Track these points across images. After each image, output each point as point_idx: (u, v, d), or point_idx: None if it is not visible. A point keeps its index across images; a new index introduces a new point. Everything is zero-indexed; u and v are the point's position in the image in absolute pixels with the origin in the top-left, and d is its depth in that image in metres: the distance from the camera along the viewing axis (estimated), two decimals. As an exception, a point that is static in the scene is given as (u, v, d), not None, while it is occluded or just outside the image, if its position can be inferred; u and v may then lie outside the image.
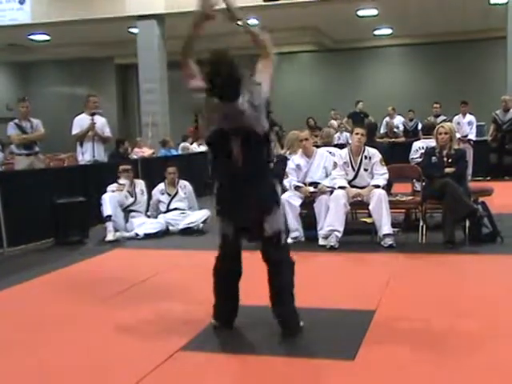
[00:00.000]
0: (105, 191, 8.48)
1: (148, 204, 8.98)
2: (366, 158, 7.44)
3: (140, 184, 8.98)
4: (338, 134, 15.25)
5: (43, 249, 8.01)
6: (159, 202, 8.88)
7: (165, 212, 8.77)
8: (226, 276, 4.46)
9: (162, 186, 8.94)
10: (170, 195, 8.87)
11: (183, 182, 9.00)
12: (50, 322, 4.82)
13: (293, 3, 15.56)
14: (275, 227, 4.21)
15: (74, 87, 23.59)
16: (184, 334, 4.29)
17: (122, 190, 8.65)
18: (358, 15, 17.90)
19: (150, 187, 9.03)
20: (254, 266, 6.58)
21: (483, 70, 20.82)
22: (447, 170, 7.29)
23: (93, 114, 9.80)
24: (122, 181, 8.73)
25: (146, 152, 14.29)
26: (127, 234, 8.36)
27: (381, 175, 7.34)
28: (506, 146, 13.94)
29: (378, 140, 13.46)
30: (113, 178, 8.75)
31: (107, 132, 10.11)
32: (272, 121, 17.20)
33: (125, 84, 25.17)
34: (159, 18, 16.55)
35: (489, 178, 12.96)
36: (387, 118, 16.64)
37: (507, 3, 14.69)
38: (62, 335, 4.47)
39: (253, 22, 18.58)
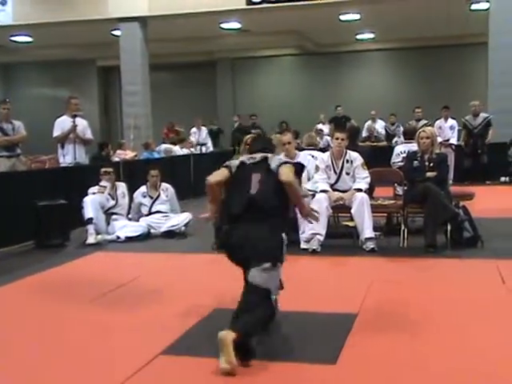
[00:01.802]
0: (86, 194, 8.45)
1: (129, 207, 8.95)
2: (347, 161, 7.45)
3: (121, 187, 8.94)
4: (317, 137, 15.29)
5: (24, 252, 7.94)
6: (141, 204, 8.85)
7: (147, 215, 8.74)
8: None
9: (143, 188, 8.90)
10: (152, 198, 8.83)
11: (165, 185, 8.98)
12: (29, 325, 4.78)
13: (275, 7, 15.60)
14: (267, 284, 4.04)
15: (55, 89, 23.49)
16: (165, 338, 4.27)
17: (103, 192, 8.61)
18: (340, 19, 17.97)
19: (132, 190, 8.99)
20: (231, 270, 6.58)
21: (464, 74, 20.99)
22: (429, 174, 7.33)
23: (74, 116, 9.77)
24: (103, 183, 8.69)
25: (129, 154, 14.24)
26: (108, 237, 8.31)
27: (362, 179, 7.36)
28: (479, 150, 14.09)
29: (360, 144, 13.51)
30: (95, 181, 8.71)
31: (88, 134, 10.09)
32: (254, 124, 17.31)
33: (107, 86, 25.08)
34: (142, 20, 16.54)
35: (467, 183, 13.05)
36: (369, 122, 16.73)
37: (488, 9, 14.84)
38: (43, 339, 4.44)
39: (235, 25, 18.68)
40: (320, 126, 16.83)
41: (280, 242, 4.15)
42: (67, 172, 9.41)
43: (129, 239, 8.24)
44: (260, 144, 4.71)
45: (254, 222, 4.11)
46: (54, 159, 12.88)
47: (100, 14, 16.44)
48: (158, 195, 8.85)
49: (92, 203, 8.27)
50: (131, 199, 8.96)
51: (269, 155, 4.44)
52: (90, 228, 8.17)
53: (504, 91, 14.03)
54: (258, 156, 4.44)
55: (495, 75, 14.31)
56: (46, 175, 9.63)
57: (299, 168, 4.57)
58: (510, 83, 14.14)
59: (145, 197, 8.86)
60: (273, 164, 4.32)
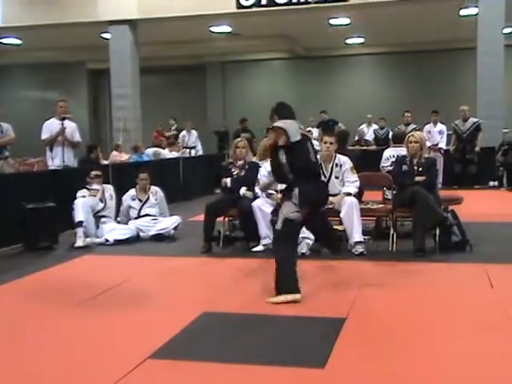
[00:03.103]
0: (75, 197, 8.39)
1: (118, 209, 8.92)
2: (336, 165, 7.46)
3: (109, 189, 8.91)
4: None
5: (12, 254, 7.91)
6: (130, 207, 8.81)
7: (135, 218, 8.70)
8: (295, 249, 5.70)
9: (132, 191, 8.88)
10: (141, 201, 8.80)
11: (154, 188, 8.95)
12: (17, 328, 4.76)
13: (265, 11, 15.60)
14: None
15: (45, 92, 23.38)
16: (153, 341, 4.25)
17: (95, 195, 8.58)
18: (330, 24, 17.99)
19: (121, 193, 8.97)
20: (221, 274, 6.58)
21: (454, 79, 21.07)
22: (417, 178, 7.34)
23: (63, 119, 9.74)
24: (95, 186, 8.66)
25: (124, 157, 14.19)
26: (97, 240, 8.28)
27: (352, 183, 7.37)
28: (467, 155, 14.15)
29: (349, 148, 13.54)
30: (83, 184, 8.68)
31: (77, 137, 10.07)
32: (245, 128, 17.32)
33: (96, 89, 25.01)
34: (132, 23, 16.50)
35: (455, 187, 13.11)
36: (363, 125, 16.80)
37: (476, 15, 14.91)
38: (30, 342, 4.41)
39: (225, 28, 18.70)
40: (309, 129, 16.86)
41: None
42: (56, 175, 9.36)
43: (117, 242, 8.21)
44: (287, 112, 5.83)
45: (318, 180, 5.95)
46: (43, 162, 12.83)
47: (89, 16, 16.39)
48: (147, 198, 8.82)
49: (83, 206, 8.24)
50: (119, 202, 8.93)
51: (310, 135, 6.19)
52: (79, 231, 8.13)
53: (492, 96, 14.12)
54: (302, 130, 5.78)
55: (483, 81, 14.39)
56: (35, 178, 9.59)
57: None
58: (498, 89, 14.24)
59: (134, 200, 8.83)
60: (315, 144, 6.16)
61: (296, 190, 5.45)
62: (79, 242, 8.05)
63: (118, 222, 8.79)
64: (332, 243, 6.47)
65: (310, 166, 5.68)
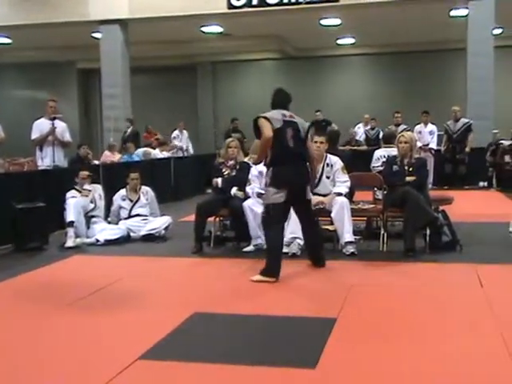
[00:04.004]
0: (65, 197, 8.35)
1: (108, 209, 8.89)
2: (327, 165, 7.46)
3: (98, 189, 8.87)
4: None
5: (2, 255, 7.86)
6: (121, 207, 8.78)
7: (126, 218, 8.68)
8: (280, 233, 6.18)
9: (123, 191, 8.85)
10: (131, 201, 8.78)
11: (145, 188, 8.93)
12: (7, 328, 4.74)
13: (256, 11, 15.60)
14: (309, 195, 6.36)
15: (34, 91, 23.29)
16: (143, 342, 4.24)
17: (87, 196, 8.55)
18: (321, 24, 18.02)
19: (112, 193, 8.94)
20: (211, 274, 6.58)
21: (444, 80, 21.13)
22: (408, 178, 7.35)
23: (53, 119, 9.71)
24: (87, 186, 8.62)
25: (116, 157, 14.14)
26: (87, 240, 8.25)
27: (342, 183, 7.36)
28: (457, 156, 14.20)
29: (340, 148, 13.55)
30: (73, 184, 8.64)
31: (67, 137, 10.04)
32: (235, 128, 17.30)
33: (87, 89, 24.94)
34: (122, 22, 16.46)
35: (446, 188, 13.17)
36: (360, 125, 16.84)
37: (466, 16, 14.95)
38: (21, 342, 4.38)
39: (216, 28, 18.68)
40: None
41: None
42: (46, 175, 9.32)
43: (108, 242, 8.18)
44: (277, 99, 6.48)
45: (297, 165, 6.10)
46: (33, 162, 12.78)
47: (80, 16, 16.35)
48: (138, 198, 8.80)
49: (75, 206, 8.20)
50: (110, 202, 8.90)
51: (296, 118, 6.26)
52: (70, 231, 8.10)
53: (482, 97, 14.17)
54: (288, 114, 6.20)
55: (474, 81, 14.44)
56: (25, 178, 9.54)
57: None
58: (488, 89, 14.29)
59: (124, 200, 8.80)
60: (301, 128, 6.19)
61: (270, 171, 6.06)
62: (69, 243, 8.01)
63: (109, 222, 8.77)
64: (318, 255, 6.59)
65: (287, 151, 6.05)
